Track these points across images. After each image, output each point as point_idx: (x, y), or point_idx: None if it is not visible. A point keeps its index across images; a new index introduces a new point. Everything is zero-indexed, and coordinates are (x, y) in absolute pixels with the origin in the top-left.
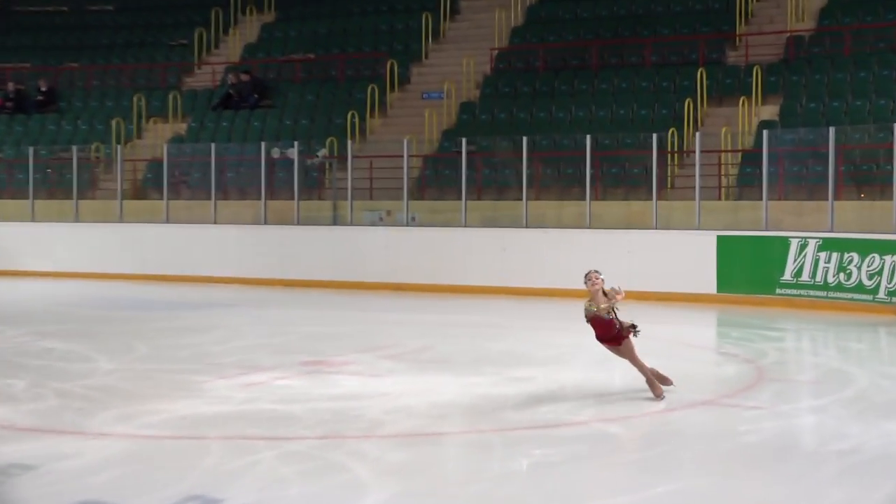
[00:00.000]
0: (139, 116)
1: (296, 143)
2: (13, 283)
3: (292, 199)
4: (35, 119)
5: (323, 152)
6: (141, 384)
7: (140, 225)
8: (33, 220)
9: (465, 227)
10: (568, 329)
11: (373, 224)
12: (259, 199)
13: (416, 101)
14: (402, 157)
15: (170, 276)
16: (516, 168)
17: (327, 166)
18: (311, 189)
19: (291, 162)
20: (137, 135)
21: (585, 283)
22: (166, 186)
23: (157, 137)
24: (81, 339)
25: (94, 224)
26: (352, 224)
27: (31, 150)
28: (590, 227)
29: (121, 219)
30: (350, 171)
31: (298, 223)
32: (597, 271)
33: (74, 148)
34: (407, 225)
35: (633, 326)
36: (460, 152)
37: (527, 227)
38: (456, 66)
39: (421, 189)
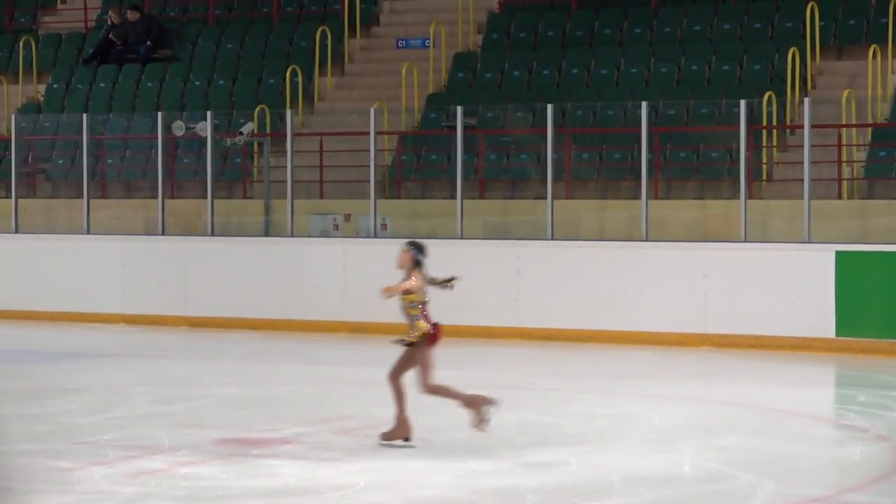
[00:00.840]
0: None
1: (209, 115)
2: None
3: (203, 197)
4: None
5: (249, 128)
6: None
7: None
8: None
9: (462, 238)
10: (614, 391)
11: (324, 234)
12: (154, 196)
13: (387, 50)
14: (367, 134)
15: (19, 313)
16: (537, 151)
17: (256, 149)
18: (233, 183)
19: (202, 142)
20: None
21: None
22: (14, 178)
23: (2, 105)
24: None
25: None
26: (292, 235)
27: None
28: (646, 238)
29: None
30: (290, 157)
31: (212, 233)
32: (409, 243)
33: None
34: (374, 236)
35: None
36: (454, 128)
37: (552, 238)
38: None
39: (395, 182)
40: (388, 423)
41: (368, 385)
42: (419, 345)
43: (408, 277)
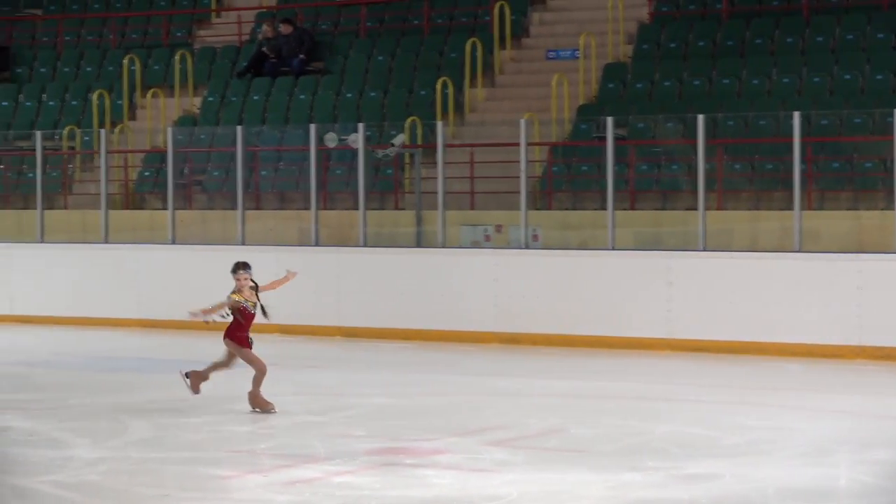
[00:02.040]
0: (132, 88)
1: (360, 127)
2: None
3: (356, 208)
4: None
5: (400, 139)
6: (138, 480)
7: (133, 247)
8: None
9: (612, 249)
10: (767, 403)
11: (475, 245)
12: (307, 208)
13: (538, 62)
14: (517, 146)
15: (176, 323)
16: (688, 162)
17: (407, 160)
18: (384, 194)
19: (355, 154)
20: (129, 115)
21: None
22: (171, 190)
23: (159, 118)
24: (50, 415)
25: (68, 246)
26: (444, 246)
27: None
28: (800, 249)
29: (105, 238)
30: (441, 168)
31: (365, 244)
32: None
33: (38, 134)
34: (525, 247)
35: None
36: (604, 138)
37: (704, 249)
38: (596, 9)
39: (546, 193)
40: (540, 432)
41: (521, 396)
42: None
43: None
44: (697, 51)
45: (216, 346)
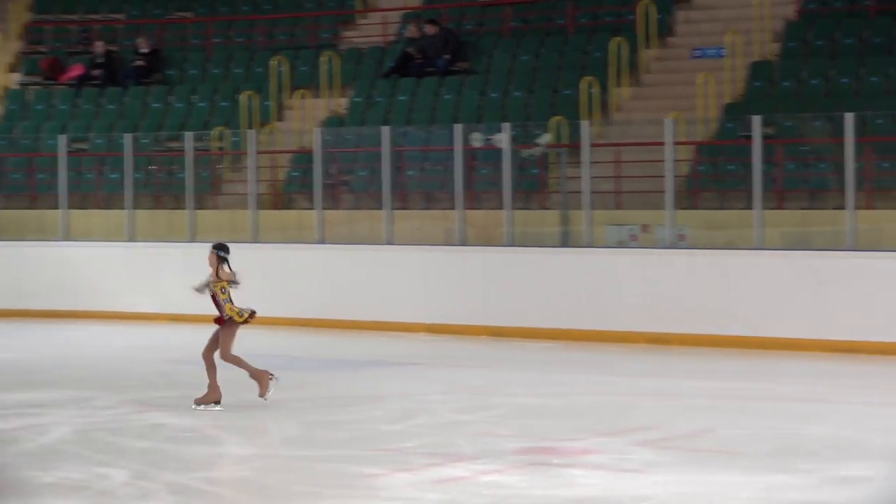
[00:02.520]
0: (279, 89)
1: (506, 126)
2: (106, 331)
3: (501, 208)
4: (133, 93)
5: (546, 139)
6: (287, 478)
7: (282, 246)
8: (131, 238)
9: (761, 249)
10: None
11: (621, 245)
12: (453, 208)
13: (683, 60)
14: (663, 145)
15: (324, 322)
16: (836, 161)
17: (553, 160)
18: (530, 193)
19: (500, 154)
20: (277, 115)
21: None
22: (319, 190)
23: (306, 119)
24: (203, 413)
25: None
26: (590, 245)
27: (127, 137)
28: None
29: (255, 237)
30: (587, 167)
31: (511, 244)
32: (219, 248)
33: (188, 135)
34: (672, 246)
35: (244, 312)
36: (751, 137)
37: (855, 249)
38: (742, 7)
39: (692, 193)
40: (689, 433)
41: (668, 396)
42: (229, 324)
43: (216, 272)
44: (845, 48)
45: (359, 343)
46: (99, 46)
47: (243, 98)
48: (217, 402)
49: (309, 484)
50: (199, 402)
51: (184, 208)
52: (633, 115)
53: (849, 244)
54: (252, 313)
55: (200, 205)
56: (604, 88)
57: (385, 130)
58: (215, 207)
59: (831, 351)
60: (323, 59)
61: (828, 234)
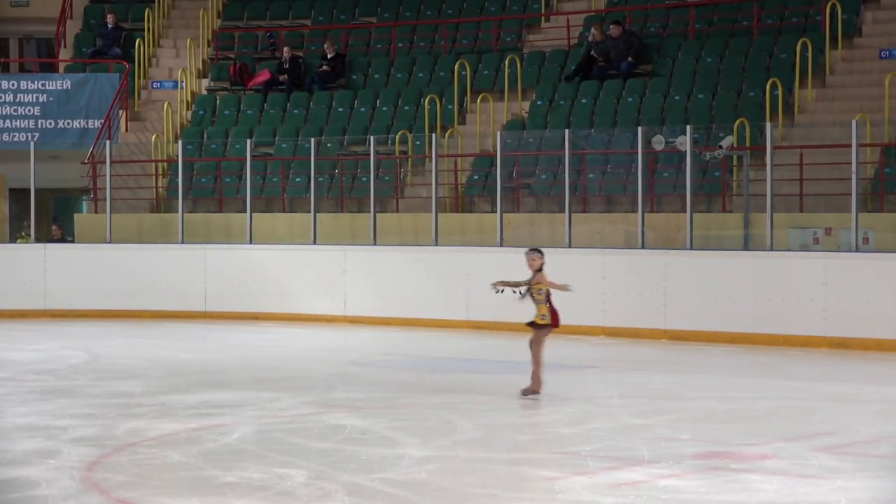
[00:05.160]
0: (462, 93)
1: (689, 129)
2: (288, 333)
3: (683, 210)
4: (318, 98)
5: (729, 141)
6: (465, 479)
7: (462, 249)
8: (315, 242)
9: None
10: None
11: (804, 248)
12: (633, 211)
13: (870, 61)
14: (849, 147)
15: (503, 324)
16: None
17: (735, 162)
18: (712, 196)
19: (682, 156)
20: (459, 119)
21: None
22: (500, 193)
23: (488, 122)
24: (382, 414)
25: (399, 248)
26: (772, 248)
27: (312, 142)
28: None
29: (436, 241)
30: (770, 170)
31: (691, 247)
32: (535, 251)
33: (372, 139)
34: (857, 250)
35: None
36: None
37: None
38: None
39: (878, 195)
40: (871, 439)
41: (850, 401)
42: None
43: (536, 276)
44: None
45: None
46: (285, 52)
47: (426, 102)
48: (536, 393)
49: (486, 486)
50: (524, 392)
51: (367, 212)
52: (818, 116)
53: None
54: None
55: (383, 208)
56: (788, 90)
57: (566, 133)
58: (397, 211)
59: None
60: (506, 62)
61: None
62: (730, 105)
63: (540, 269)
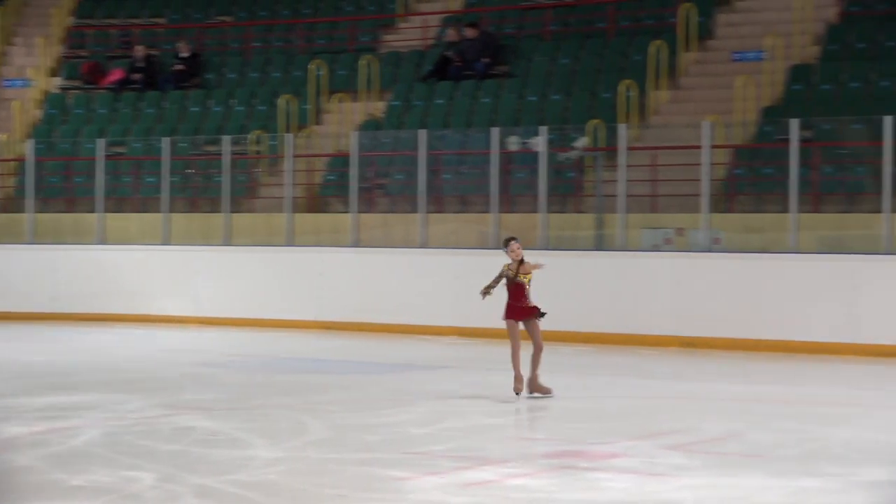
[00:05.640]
0: (317, 92)
1: (543, 130)
2: (139, 334)
3: (537, 210)
4: (172, 97)
5: (583, 142)
6: (315, 480)
7: (317, 249)
8: (167, 242)
9: (796, 252)
10: None
11: (656, 248)
12: (488, 211)
13: (722, 63)
14: (701, 148)
15: (356, 325)
16: (874, 164)
17: (589, 163)
18: (566, 197)
19: (537, 157)
20: (315, 119)
21: (507, 252)
22: (354, 194)
23: (343, 122)
24: (232, 415)
25: (253, 249)
26: (625, 249)
27: (165, 141)
28: None
29: (290, 241)
30: (623, 171)
31: (547, 247)
32: (515, 239)
33: (226, 139)
34: (708, 250)
35: (539, 310)
36: (789, 140)
37: (890, 253)
38: (783, 10)
39: (729, 196)
40: (718, 437)
41: (699, 400)
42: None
43: (518, 266)
44: (886, 51)
45: (391, 346)
46: (139, 51)
47: (281, 102)
48: (518, 393)
49: (336, 487)
50: (526, 390)
51: (220, 212)
52: (671, 118)
53: (885, 248)
54: (544, 314)
55: (237, 208)
56: (642, 92)
57: (422, 134)
58: (251, 211)
59: (865, 355)
60: (361, 62)
61: (864, 237)
62: (584, 106)
63: (522, 258)
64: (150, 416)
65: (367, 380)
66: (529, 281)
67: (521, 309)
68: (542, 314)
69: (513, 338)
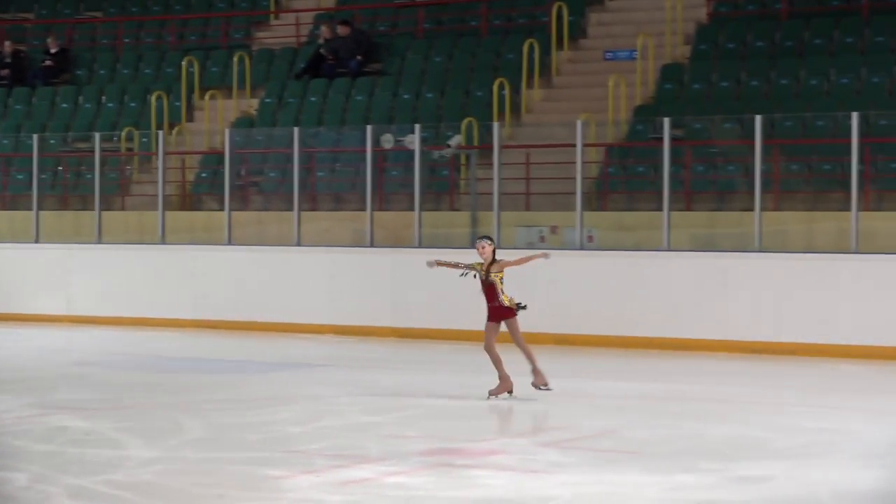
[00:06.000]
0: (190, 89)
1: (417, 128)
2: (10, 333)
3: (411, 209)
4: (41, 94)
5: (457, 140)
6: (192, 480)
7: (190, 248)
8: (38, 240)
9: (668, 250)
10: (824, 406)
11: (530, 246)
12: (362, 209)
13: (595, 62)
14: (574, 147)
15: (232, 323)
16: (745, 163)
17: (463, 161)
18: (440, 195)
19: (411, 154)
20: (187, 116)
21: (478, 250)
22: (228, 192)
23: (216, 120)
24: (107, 415)
25: (125, 247)
26: (499, 247)
27: (34, 138)
28: (857, 250)
29: (162, 239)
30: (497, 169)
31: (420, 245)
32: (488, 238)
33: (97, 136)
34: (581, 248)
35: (519, 304)
36: (661, 139)
37: (760, 250)
38: (655, 9)
39: (602, 194)
40: (594, 434)
41: (575, 397)
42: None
43: (489, 265)
44: (755, 51)
45: (267, 345)
46: (7, 46)
47: (153, 98)
48: (510, 392)
49: (214, 486)
50: (493, 392)
51: (91, 209)
52: (545, 116)
53: (755, 246)
54: (524, 306)
55: (108, 206)
56: (515, 90)
57: (295, 131)
58: (123, 209)
59: (737, 352)
60: (234, 59)
61: (735, 235)
62: (458, 104)
63: (494, 258)
64: (22, 415)
65: (244, 378)
66: (501, 279)
67: (495, 309)
68: (522, 307)
69: (487, 340)
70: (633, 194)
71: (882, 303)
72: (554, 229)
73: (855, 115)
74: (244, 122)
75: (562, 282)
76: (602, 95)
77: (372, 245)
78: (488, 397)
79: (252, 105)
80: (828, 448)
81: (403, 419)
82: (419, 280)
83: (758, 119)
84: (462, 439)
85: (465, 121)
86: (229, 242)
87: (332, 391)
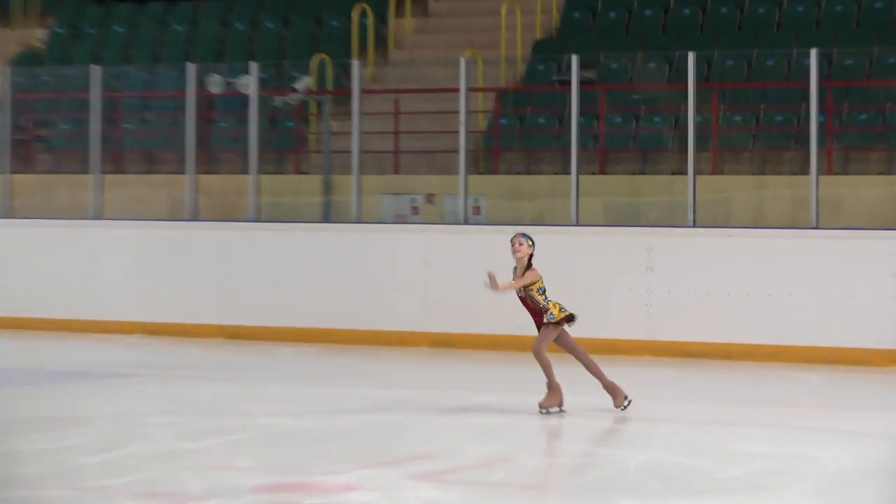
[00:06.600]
0: None
1: (253, 67)
2: None
3: (245, 172)
4: None
5: (306, 83)
6: None
7: None
8: None
9: (577, 225)
10: (775, 425)
11: (399, 220)
12: (182, 172)
13: None
14: (456, 91)
15: (12, 321)
16: (675, 113)
17: (313, 110)
18: (283, 153)
19: (245, 101)
20: None
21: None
22: (7, 148)
23: None
24: None
25: None
26: (359, 221)
27: None
28: (817, 225)
29: None
30: (357, 120)
31: (256, 218)
32: (521, 235)
33: None
34: (465, 221)
35: (571, 317)
36: (568, 83)
37: (695, 225)
38: None
39: (492, 153)
40: (481, 462)
41: (455, 414)
42: (559, 323)
43: (523, 271)
44: None
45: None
46: None
47: None
48: (561, 405)
49: None
50: (544, 405)
51: None
52: (419, 53)
53: (688, 219)
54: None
55: None
56: (381, 20)
57: (95, 70)
58: None
59: (665, 356)
60: None
61: (663, 205)
62: (307, 37)
63: (530, 262)
64: None
65: (25, 393)
66: (540, 289)
67: (539, 326)
68: (572, 318)
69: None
70: (532, 153)
71: (848, 293)
72: (430, 198)
73: (814, 52)
74: (27, 58)
75: (440, 266)
76: (492, 26)
77: (194, 219)
78: (540, 411)
79: (38, 36)
80: (781, 479)
81: (231, 445)
82: (255, 263)
83: (691, 56)
84: (307, 471)
85: (316, 58)
86: (7, 214)
87: (139, 409)
